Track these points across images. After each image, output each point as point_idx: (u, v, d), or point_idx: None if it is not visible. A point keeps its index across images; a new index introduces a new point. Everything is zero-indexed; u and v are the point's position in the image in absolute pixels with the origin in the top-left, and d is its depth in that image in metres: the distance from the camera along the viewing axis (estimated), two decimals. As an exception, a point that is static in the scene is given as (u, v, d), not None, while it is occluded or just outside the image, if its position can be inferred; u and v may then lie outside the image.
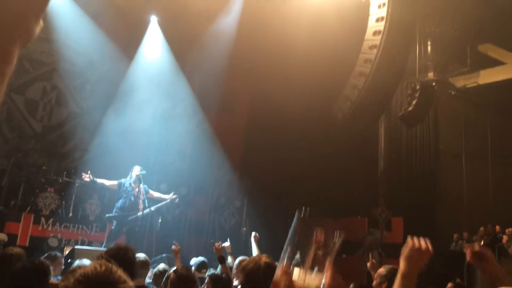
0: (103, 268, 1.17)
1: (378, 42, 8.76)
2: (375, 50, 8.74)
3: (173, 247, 5.11)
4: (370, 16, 9.13)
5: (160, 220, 9.31)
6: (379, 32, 8.81)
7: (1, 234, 4.13)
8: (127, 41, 10.59)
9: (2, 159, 9.24)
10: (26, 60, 9.87)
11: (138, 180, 7.47)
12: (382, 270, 3.30)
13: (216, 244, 4.70)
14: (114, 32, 10.26)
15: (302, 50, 10.01)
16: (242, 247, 9.19)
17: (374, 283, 3.33)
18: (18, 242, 7.18)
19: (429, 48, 11.46)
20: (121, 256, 2.60)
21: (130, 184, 7.46)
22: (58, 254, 4.84)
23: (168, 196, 7.78)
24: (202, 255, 6.40)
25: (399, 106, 11.51)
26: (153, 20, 11.00)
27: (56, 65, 10.22)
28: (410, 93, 10.44)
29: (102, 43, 10.22)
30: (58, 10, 9.77)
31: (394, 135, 12.37)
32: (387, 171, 11.83)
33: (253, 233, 5.20)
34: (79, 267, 1.29)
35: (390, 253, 8.55)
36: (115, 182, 7.47)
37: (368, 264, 4.12)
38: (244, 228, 10.74)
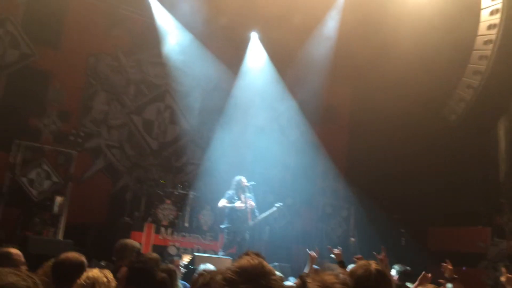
0: (257, 261, 1.26)
1: (494, 37, 8.06)
2: (490, 45, 8.05)
3: (312, 253, 5.03)
4: (482, 10, 8.45)
5: (268, 230, 9.50)
6: (495, 25, 8.10)
7: (135, 242, 4.63)
8: (231, 59, 11.09)
9: (125, 175, 10.22)
10: (142, 84, 10.82)
11: (245, 190, 7.75)
12: None
13: (336, 250, 4.71)
14: (218, 51, 10.83)
15: (406, 52, 9.54)
16: (350, 258, 8.96)
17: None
18: (142, 251, 7.84)
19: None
20: None
21: (235, 194, 7.77)
22: (175, 257, 5.18)
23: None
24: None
25: (522, 104, 10.38)
26: (254, 36, 11.39)
27: (168, 87, 11.04)
28: (534, 89, 9.38)
29: (208, 63, 10.83)
30: (167, 35, 10.59)
31: (517, 136, 11.15)
32: (510, 176, 10.69)
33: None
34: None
35: (521, 267, 7.68)
36: (226, 203, 7.81)
37: (503, 278, 3.74)
38: (353, 239, 10.46)
